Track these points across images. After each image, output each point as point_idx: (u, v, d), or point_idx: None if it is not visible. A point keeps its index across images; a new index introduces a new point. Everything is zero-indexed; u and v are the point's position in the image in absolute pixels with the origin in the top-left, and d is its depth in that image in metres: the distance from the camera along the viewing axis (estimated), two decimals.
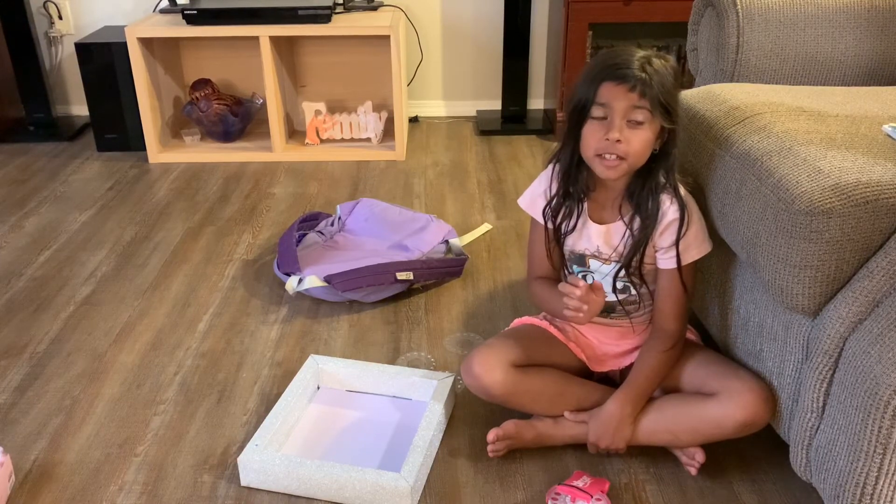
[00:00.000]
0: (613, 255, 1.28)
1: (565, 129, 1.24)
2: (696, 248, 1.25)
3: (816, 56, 1.56)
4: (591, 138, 1.17)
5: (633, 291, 1.30)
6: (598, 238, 1.28)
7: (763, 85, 1.46)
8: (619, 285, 1.30)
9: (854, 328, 0.99)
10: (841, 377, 0.99)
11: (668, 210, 1.22)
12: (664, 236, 1.23)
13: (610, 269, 1.29)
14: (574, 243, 1.31)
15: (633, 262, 1.25)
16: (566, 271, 1.35)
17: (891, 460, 0.93)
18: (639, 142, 1.16)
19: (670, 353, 1.28)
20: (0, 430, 1.39)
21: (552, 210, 1.30)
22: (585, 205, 1.28)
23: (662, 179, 1.22)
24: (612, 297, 1.32)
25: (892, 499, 0.95)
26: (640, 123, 1.15)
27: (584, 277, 1.32)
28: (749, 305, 1.24)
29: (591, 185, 1.27)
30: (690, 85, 1.72)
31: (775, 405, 1.16)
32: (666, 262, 1.25)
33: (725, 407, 1.18)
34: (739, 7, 1.55)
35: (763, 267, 1.10)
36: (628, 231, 1.25)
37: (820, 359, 1.03)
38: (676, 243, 1.23)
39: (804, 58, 1.56)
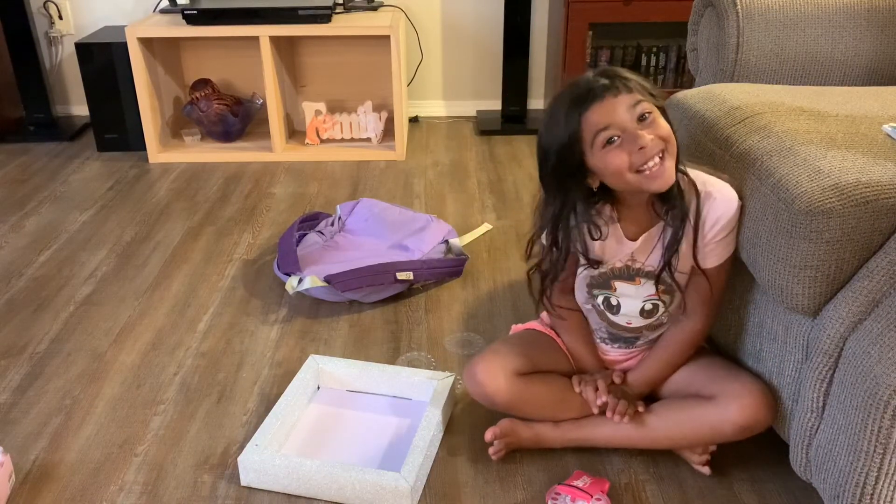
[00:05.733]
0: (647, 262, 1.21)
1: (551, 187, 1.17)
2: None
3: (816, 56, 1.56)
4: (618, 160, 1.09)
5: (662, 310, 1.25)
6: (633, 249, 1.22)
7: (763, 85, 1.45)
8: (649, 306, 1.25)
9: (854, 328, 0.99)
10: (841, 377, 0.99)
11: (715, 203, 1.15)
12: (717, 226, 1.15)
13: (636, 289, 1.23)
14: (609, 260, 1.23)
15: (674, 257, 1.17)
16: (588, 295, 1.29)
17: (891, 460, 0.93)
18: (664, 128, 1.10)
19: (695, 337, 1.26)
20: (0, 430, 1.40)
21: (552, 264, 1.24)
22: (619, 225, 1.21)
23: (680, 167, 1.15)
24: (639, 322, 1.27)
25: (891, 499, 0.95)
26: (648, 115, 1.09)
27: (606, 300, 1.27)
28: (749, 305, 1.24)
29: (617, 211, 1.20)
30: (690, 85, 1.72)
31: (776, 408, 1.16)
32: (712, 255, 1.18)
33: (723, 410, 1.17)
34: (739, 7, 1.55)
35: (763, 267, 1.10)
36: (665, 229, 1.17)
37: (820, 359, 1.03)
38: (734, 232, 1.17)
39: (804, 58, 1.56)
